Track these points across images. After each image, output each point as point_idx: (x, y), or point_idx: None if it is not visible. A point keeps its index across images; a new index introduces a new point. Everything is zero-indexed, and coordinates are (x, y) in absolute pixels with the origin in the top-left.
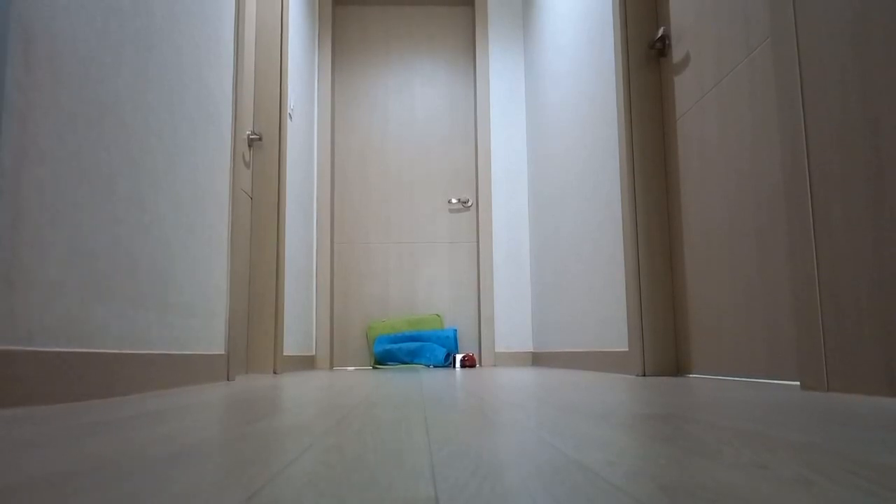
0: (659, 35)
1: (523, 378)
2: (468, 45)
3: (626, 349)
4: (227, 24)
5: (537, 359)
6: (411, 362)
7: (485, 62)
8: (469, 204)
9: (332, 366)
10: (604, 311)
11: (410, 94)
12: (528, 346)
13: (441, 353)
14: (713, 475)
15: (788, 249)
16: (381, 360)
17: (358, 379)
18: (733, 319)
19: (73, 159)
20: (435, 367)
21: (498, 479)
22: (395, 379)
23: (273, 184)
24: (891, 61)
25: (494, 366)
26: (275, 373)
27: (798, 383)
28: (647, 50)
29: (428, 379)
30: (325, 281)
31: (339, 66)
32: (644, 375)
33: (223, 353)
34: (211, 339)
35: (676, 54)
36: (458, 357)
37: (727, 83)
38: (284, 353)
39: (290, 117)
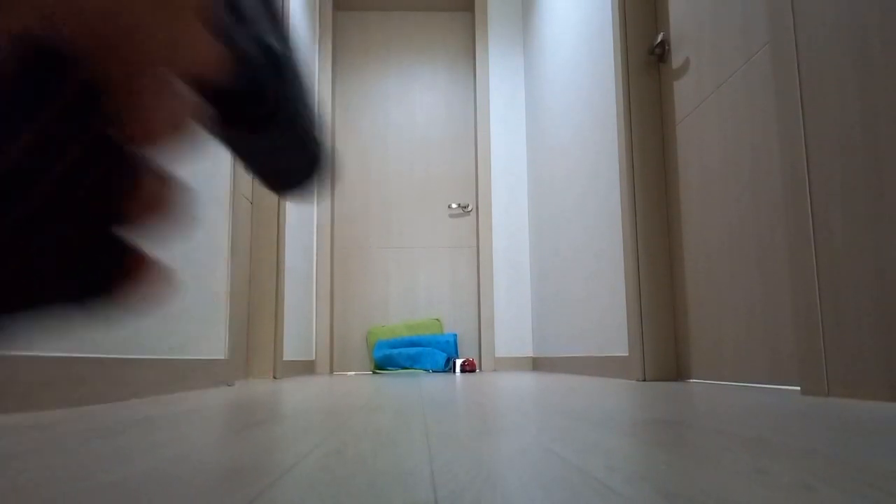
0: (658, 40)
1: (523, 383)
2: (468, 50)
3: (627, 354)
4: None
5: (537, 364)
6: (411, 367)
7: (484, 68)
8: (469, 209)
9: (332, 371)
10: (604, 316)
11: (410, 99)
12: (529, 351)
13: (441, 357)
14: (713, 481)
15: (788, 253)
16: (381, 365)
17: (358, 384)
18: (733, 324)
19: None
20: (435, 372)
21: (498, 483)
22: (394, 384)
23: None
24: (889, 65)
25: (495, 371)
26: (275, 378)
27: (798, 388)
28: (646, 55)
29: (428, 384)
30: (326, 286)
31: (340, 71)
32: (644, 380)
33: (223, 358)
34: (211, 344)
35: (676, 60)
36: (459, 362)
37: (727, 88)
38: (284, 358)
39: None
